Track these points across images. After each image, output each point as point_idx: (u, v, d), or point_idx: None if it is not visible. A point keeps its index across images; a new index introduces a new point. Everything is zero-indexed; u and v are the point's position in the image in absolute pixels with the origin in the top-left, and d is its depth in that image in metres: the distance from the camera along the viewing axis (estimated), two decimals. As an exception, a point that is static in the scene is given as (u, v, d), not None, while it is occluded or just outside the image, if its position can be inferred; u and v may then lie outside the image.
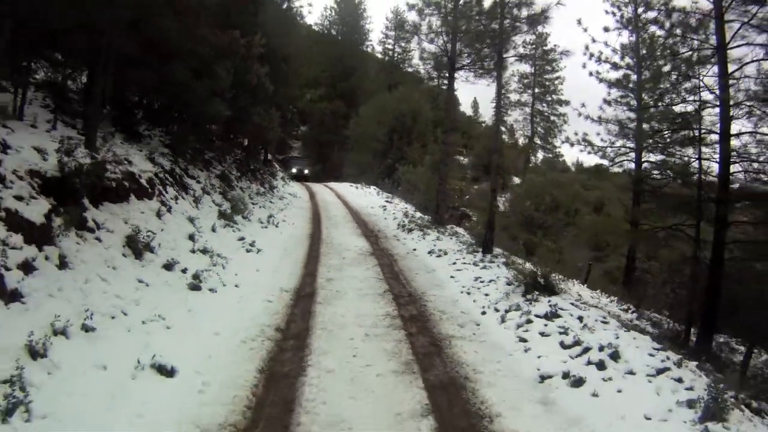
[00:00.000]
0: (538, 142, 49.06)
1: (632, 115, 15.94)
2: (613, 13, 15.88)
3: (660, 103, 14.00)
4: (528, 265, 8.68)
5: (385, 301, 6.51)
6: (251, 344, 4.72)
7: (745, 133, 10.87)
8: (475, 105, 58.66)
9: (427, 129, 31.12)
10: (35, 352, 3.66)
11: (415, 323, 5.77)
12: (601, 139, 16.66)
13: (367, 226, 13.46)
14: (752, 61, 10.73)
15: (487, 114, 52.19)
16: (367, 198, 20.70)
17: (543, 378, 4.58)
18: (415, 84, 38.71)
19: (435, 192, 15.87)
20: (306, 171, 32.98)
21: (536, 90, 49.63)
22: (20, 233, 4.63)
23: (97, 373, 3.74)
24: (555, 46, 47.08)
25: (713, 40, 11.08)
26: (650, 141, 14.97)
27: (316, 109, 35.42)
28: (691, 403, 4.16)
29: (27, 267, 4.47)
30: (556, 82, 47.92)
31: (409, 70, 46.23)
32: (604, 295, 14.49)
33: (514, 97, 51.37)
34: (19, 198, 4.93)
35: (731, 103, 10.77)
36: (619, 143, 17.06)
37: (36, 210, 4.98)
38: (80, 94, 9.59)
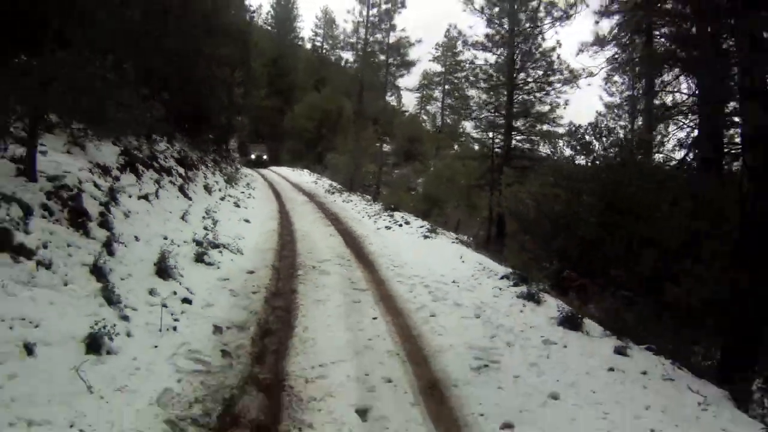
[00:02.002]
0: (449, 130, 58.64)
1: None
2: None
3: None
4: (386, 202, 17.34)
5: (320, 214, 14.88)
6: (271, 218, 12.93)
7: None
8: (398, 96, 67.68)
9: (349, 123, 39.38)
10: (209, 211, 11.59)
11: (333, 220, 14.16)
12: (477, 132, 25.99)
13: (306, 192, 21.65)
14: (522, 94, 20.30)
15: (410, 104, 60.67)
16: (303, 177, 28.81)
17: (377, 229, 13.12)
18: (341, 74, 45.26)
19: (352, 172, 24.34)
20: (264, 157, 35.65)
21: (447, 87, 59.22)
22: (180, 178, 12.46)
23: (229, 220, 11.74)
24: (463, 48, 56.85)
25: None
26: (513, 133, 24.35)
27: (256, 105, 42.15)
28: (424, 234, 12.82)
29: (190, 190, 12.35)
30: (464, 81, 57.58)
31: (340, 59, 53.42)
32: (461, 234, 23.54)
33: (429, 92, 60.91)
34: (173, 167, 12.72)
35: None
36: (491, 134, 26.44)
37: (181, 170, 12.81)
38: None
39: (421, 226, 13.28)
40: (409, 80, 71.08)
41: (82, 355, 4.29)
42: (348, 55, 23.77)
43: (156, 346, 4.90)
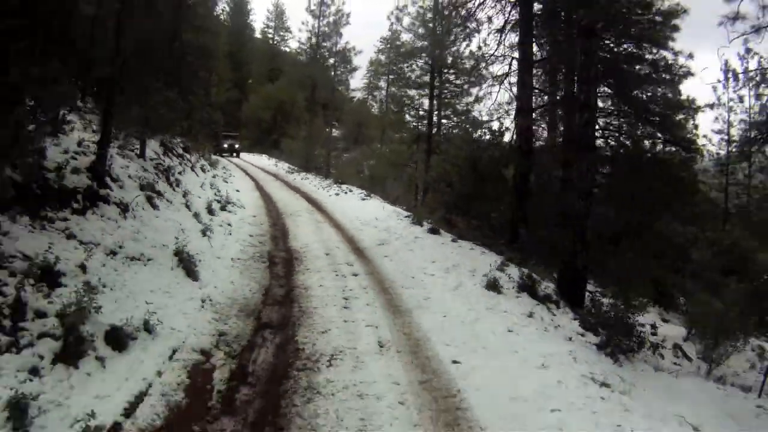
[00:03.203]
0: (392, 117, 64.26)
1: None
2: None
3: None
4: (339, 180, 23.10)
5: (286, 187, 20.47)
6: (252, 189, 18.40)
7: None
8: (346, 83, 72.81)
9: (302, 112, 44.56)
10: (212, 184, 16.92)
11: (297, 190, 19.77)
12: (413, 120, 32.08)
13: (270, 172, 27.02)
14: (450, 87, 26.40)
15: (358, 88, 65.73)
16: (263, 161, 34.03)
17: (329, 195, 18.83)
18: (295, 66, 49.30)
19: (306, 156, 29.88)
20: (237, 145, 36.69)
21: (391, 77, 64.72)
22: (189, 162, 17.69)
23: (226, 190, 17.13)
24: (404, 41, 62.47)
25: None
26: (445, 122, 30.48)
27: (215, 97, 46.48)
28: (361, 198, 18.65)
29: (196, 170, 17.61)
30: (407, 70, 63.29)
31: (287, 49, 57.72)
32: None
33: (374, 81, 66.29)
34: (183, 153, 17.91)
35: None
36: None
37: (188, 156, 18.02)
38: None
39: (361, 193, 19.10)
40: (353, 83, 76.33)
41: (201, 235, 9.86)
42: (303, 58, 28.86)
43: (227, 238, 10.50)
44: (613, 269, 11.64)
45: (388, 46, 63.77)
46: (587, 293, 10.39)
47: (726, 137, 28.85)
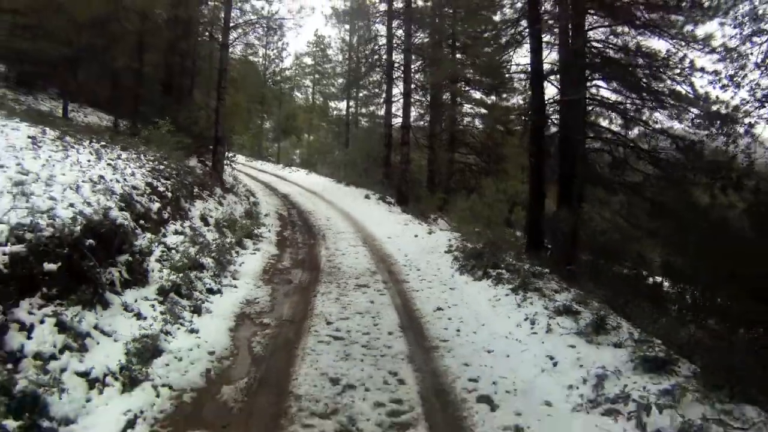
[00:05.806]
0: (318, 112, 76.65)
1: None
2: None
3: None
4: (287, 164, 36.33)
5: (255, 170, 33.46)
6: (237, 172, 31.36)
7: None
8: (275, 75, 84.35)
9: (249, 114, 56.38)
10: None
11: (263, 171, 32.78)
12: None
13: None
14: (364, 92, 40.27)
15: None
16: (222, 153, 46.48)
17: (286, 173, 32.02)
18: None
19: (257, 149, 42.66)
20: None
21: (316, 76, 77.23)
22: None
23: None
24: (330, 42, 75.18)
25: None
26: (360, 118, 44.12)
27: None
28: (305, 173, 32.01)
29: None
30: (330, 70, 75.99)
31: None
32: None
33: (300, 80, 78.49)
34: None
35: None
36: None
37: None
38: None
39: (304, 171, 32.45)
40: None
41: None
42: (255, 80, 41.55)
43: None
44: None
45: (315, 48, 75.57)
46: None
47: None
